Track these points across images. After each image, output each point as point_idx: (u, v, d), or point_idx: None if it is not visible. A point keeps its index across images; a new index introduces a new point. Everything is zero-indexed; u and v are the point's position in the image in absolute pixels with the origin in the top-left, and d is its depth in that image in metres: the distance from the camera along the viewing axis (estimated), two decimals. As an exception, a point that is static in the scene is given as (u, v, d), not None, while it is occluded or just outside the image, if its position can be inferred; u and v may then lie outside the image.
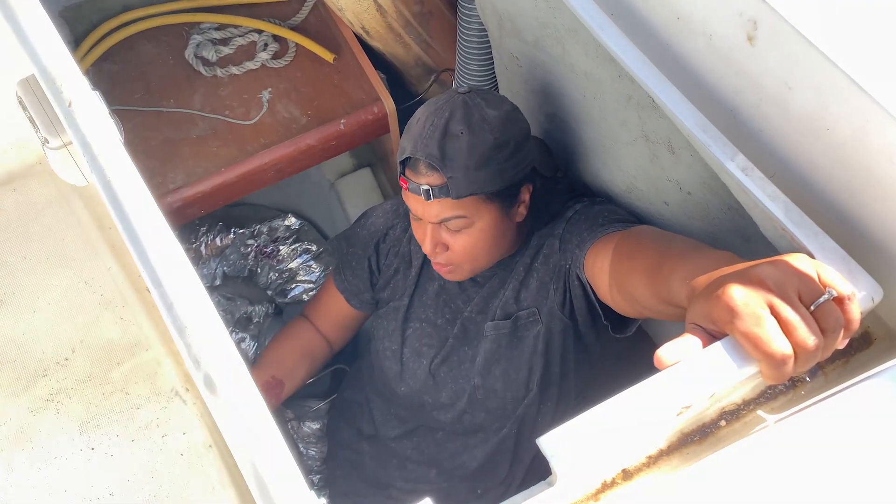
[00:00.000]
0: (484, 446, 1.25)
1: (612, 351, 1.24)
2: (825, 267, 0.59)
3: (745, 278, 0.58)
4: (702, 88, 0.76)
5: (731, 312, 0.57)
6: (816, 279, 0.58)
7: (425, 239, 1.09)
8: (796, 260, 0.59)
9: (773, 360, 0.56)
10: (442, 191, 1.01)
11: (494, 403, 1.21)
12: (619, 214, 1.10)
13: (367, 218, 1.32)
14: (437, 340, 1.24)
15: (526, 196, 1.10)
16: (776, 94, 0.69)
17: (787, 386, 0.67)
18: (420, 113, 1.05)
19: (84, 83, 0.74)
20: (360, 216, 1.34)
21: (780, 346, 0.55)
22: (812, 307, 0.57)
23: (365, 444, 1.37)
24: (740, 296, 0.57)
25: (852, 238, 0.67)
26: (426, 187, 1.02)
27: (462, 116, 1.01)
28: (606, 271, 0.96)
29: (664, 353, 0.59)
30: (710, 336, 0.60)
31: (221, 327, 0.63)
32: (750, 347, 0.56)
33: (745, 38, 0.68)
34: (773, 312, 0.56)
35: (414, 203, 1.06)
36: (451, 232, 1.07)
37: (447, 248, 1.09)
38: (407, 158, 1.03)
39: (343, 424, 1.43)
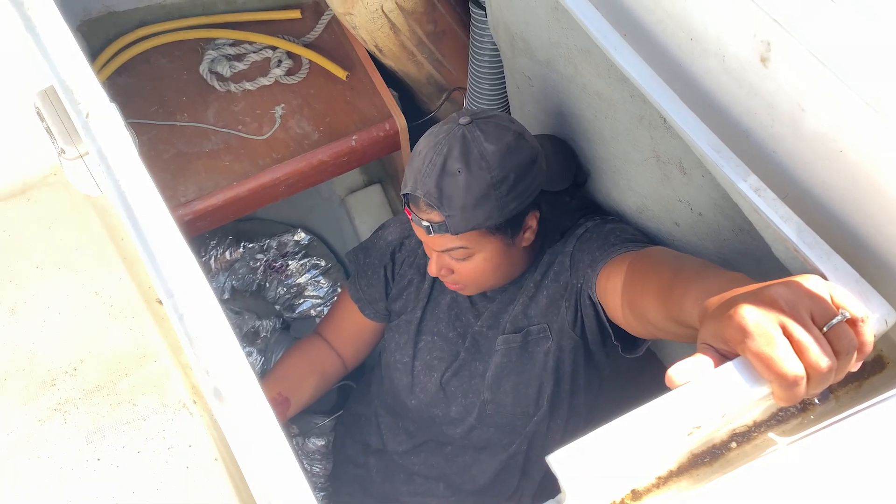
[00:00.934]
0: (493, 461, 1.25)
1: (621, 370, 1.23)
2: (838, 288, 0.59)
3: (757, 298, 0.58)
4: (714, 109, 0.77)
5: (743, 332, 0.57)
6: (829, 300, 0.58)
7: (431, 264, 1.12)
8: (809, 281, 0.59)
9: (784, 381, 0.55)
10: (441, 227, 1.03)
11: (504, 419, 1.21)
12: (630, 234, 1.10)
13: (383, 229, 1.33)
14: (448, 354, 1.24)
15: (532, 222, 1.10)
16: (789, 116, 0.69)
17: (799, 409, 0.66)
18: (422, 145, 1.06)
19: (102, 94, 0.75)
20: (378, 228, 1.36)
21: (793, 367, 0.55)
22: (825, 329, 0.56)
23: (372, 458, 1.37)
24: (752, 316, 0.57)
25: (865, 260, 0.67)
26: (426, 223, 1.04)
27: (460, 153, 1.00)
28: (619, 292, 0.96)
29: (675, 372, 0.59)
30: (722, 357, 0.60)
31: (233, 338, 0.63)
32: (762, 368, 0.56)
33: (758, 59, 0.68)
34: (786, 333, 0.56)
35: (419, 234, 1.09)
36: (456, 259, 1.10)
37: (452, 271, 1.12)
38: (408, 194, 1.05)
39: (349, 440, 1.42)
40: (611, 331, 1.06)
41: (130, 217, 0.67)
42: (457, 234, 1.03)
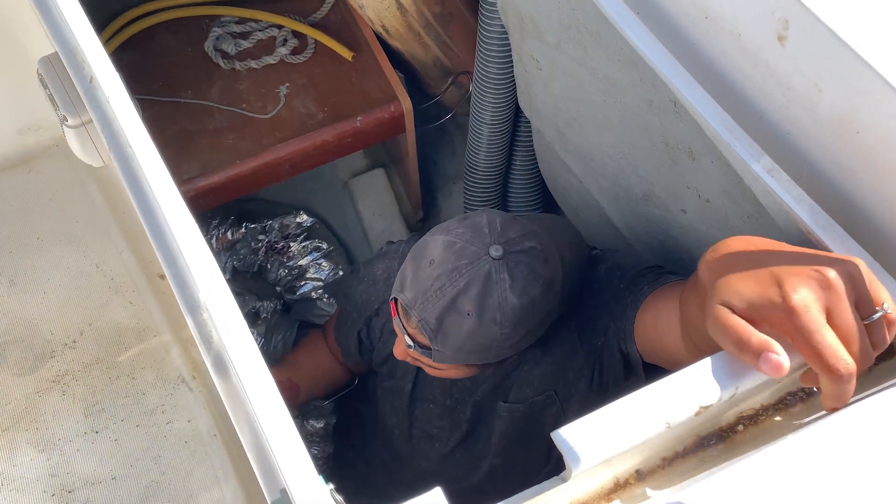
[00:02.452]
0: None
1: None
2: (877, 280, 0.54)
3: (801, 273, 0.52)
4: (728, 89, 0.75)
5: (787, 309, 0.50)
6: (872, 289, 0.54)
7: (398, 347, 0.99)
8: (854, 265, 0.54)
9: (836, 376, 0.51)
10: (425, 352, 0.93)
11: (515, 482, 1.14)
12: (632, 269, 0.98)
13: (359, 282, 1.19)
14: (449, 423, 1.15)
15: None
16: (805, 96, 0.68)
17: (807, 393, 0.66)
18: (436, 255, 0.89)
19: (106, 59, 0.74)
20: (354, 272, 1.22)
21: (846, 360, 0.50)
22: (866, 321, 0.53)
23: (377, 458, 1.31)
24: (800, 291, 0.50)
25: (880, 244, 0.66)
26: (409, 341, 0.93)
27: (477, 295, 0.86)
28: (678, 327, 0.76)
29: (784, 359, 0.52)
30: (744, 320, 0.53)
31: (235, 308, 0.62)
32: (813, 357, 0.51)
33: (775, 37, 0.67)
34: (831, 319, 0.51)
35: (396, 328, 0.97)
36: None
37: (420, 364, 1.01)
38: (403, 301, 0.92)
39: (353, 434, 1.37)
40: (643, 370, 0.93)
41: (132, 182, 0.66)
42: (439, 362, 0.93)
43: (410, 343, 0.92)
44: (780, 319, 0.52)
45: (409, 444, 1.18)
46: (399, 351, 0.99)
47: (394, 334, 1.10)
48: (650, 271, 0.97)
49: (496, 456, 1.12)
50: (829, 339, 0.51)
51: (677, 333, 0.75)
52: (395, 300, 0.92)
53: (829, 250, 0.63)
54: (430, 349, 0.91)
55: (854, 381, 0.52)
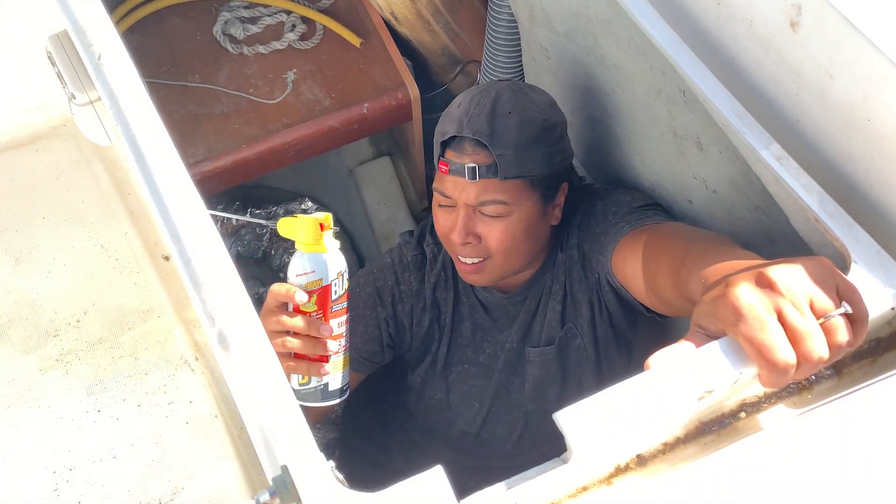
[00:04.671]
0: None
1: (645, 342, 1.18)
2: (846, 280, 0.56)
3: (755, 278, 0.55)
4: (739, 76, 0.75)
5: (736, 314, 0.54)
6: (834, 290, 0.55)
7: (456, 227, 1.01)
8: (816, 265, 0.56)
9: (774, 369, 0.53)
10: (490, 169, 0.97)
11: (550, 426, 1.15)
12: (626, 204, 1.04)
13: (368, 283, 1.17)
14: (483, 379, 1.18)
15: (562, 198, 1.06)
16: (816, 83, 0.67)
17: (810, 381, 0.65)
18: (461, 98, 1.02)
19: (115, 36, 0.73)
20: (355, 278, 1.18)
21: (784, 355, 0.53)
22: (822, 319, 0.54)
23: (396, 449, 1.29)
24: (748, 297, 0.54)
25: (889, 233, 0.66)
26: (472, 165, 0.97)
27: (509, 98, 0.99)
28: (640, 275, 0.91)
29: (655, 360, 0.57)
30: (712, 341, 0.57)
31: (239, 285, 0.62)
32: (752, 352, 0.54)
33: (787, 23, 0.67)
34: (781, 318, 0.53)
35: (452, 186, 1.00)
36: (487, 219, 1.01)
37: (479, 239, 1.02)
38: (451, 138, 0.99)
39: (367, 419, 1.33)
40: (642, 307, 1.00)
41: (139, 158, 0.66)
42: (506, 178, 0.97)
43: (474, 171, 0.97)
44: (734, 325, 0.55)
45: (448, 410, 1.20)
46: (458, 230, 1.01)
47: (425, 310, 1.16)
48: (640, 210, 1.02)
49: (531, 401, 1.15)
50: (769, 337, 0.53)
51: (640, 281, 0.88)
52: (442, 153, 1.01)
53: (837, 238, 0.62)
54: (494, 164, 0.97)
55: (791, 373, 0.53)
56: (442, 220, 1.04)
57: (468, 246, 1.02)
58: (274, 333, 0.76)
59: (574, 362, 1.13)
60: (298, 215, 0.76)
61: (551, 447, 1.19)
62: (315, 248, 0.77)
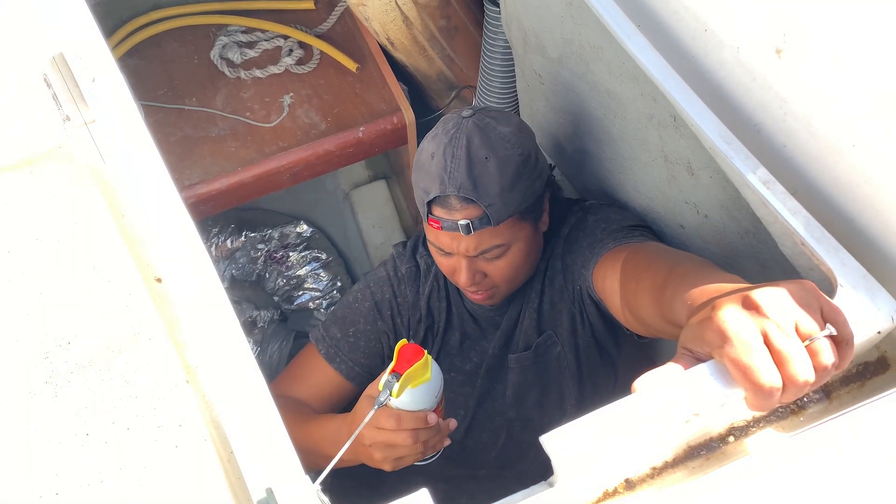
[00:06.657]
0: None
1: (630, 360, 1.19)
2: (831, 303, 0.56)
3: (741, 301, 0.56)
4: (726, 102, 0.76)
5: (722, 337, 0.55)
6: (818, 312, 0.55)
7: (461, 273, 1.04)
8: (801, 288, 0.56)
9: (760, 392, 0.53)
10: (482, 221, 0.98)
11: (533, 436, 1.15)
12: (615, 222, 1.07)
13: (367, 298, 1.19)
14: (468, 387, 1.20)
15: (547, 205, 1.08)
16: (802, 109, 0.68)
17: (799, 405, 0.65)
18: (430, 147, 1.00)
19: (111, 60, 0.74)
20: (353, 293, 1.20)
21: (769, 378, 0.53)
22: (807, 342, 0.54)
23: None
24: (733, 320, 0.55)
25: (874, 257, 0.66)
26: (465, 222, 0.98)
27: (481, 141, 0.98)
28: (617, 292, 0.93)
29: (641, 384, 0.57)
30: (699, 363, 0.58)
31: (229, 308, 0.62)
32: (738, 376, 0.54)
33: (773, 50, 0.68)
34: (766, 341, 0.54)
35: (449, 241, 1.02)
36: (490, 259, 1.04)
37: (485, 275, 1.06)
38: (436, 197, 0.98)
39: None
40: (619, 323, 1.01)
41: (131, 181, 0.66)
42: (499, 223, 0.98)
43: (468, 227, 0.98)
44: (720, 348, 0.55)
45: None
46: (464, 276, 1.03)
47: (422, 322, 1.18)
48: (627, 228, 1.04)
49: (511, 409, 1.17)
50: (753, 360, 0.53)
51: (617, 298, 0.90)
52: (429, 212, 1.00)
53: (824, 262, 0.62)
54: (485, 216, 0.97)
55: (777, 396, 0.53)
56: (445, 264, 1.07)
57: (475, 284, 1.06)
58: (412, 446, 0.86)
59: (554, 370, 1.15)
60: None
61: (535, 456, 1.19)
62: (425, 377, 0.83)
